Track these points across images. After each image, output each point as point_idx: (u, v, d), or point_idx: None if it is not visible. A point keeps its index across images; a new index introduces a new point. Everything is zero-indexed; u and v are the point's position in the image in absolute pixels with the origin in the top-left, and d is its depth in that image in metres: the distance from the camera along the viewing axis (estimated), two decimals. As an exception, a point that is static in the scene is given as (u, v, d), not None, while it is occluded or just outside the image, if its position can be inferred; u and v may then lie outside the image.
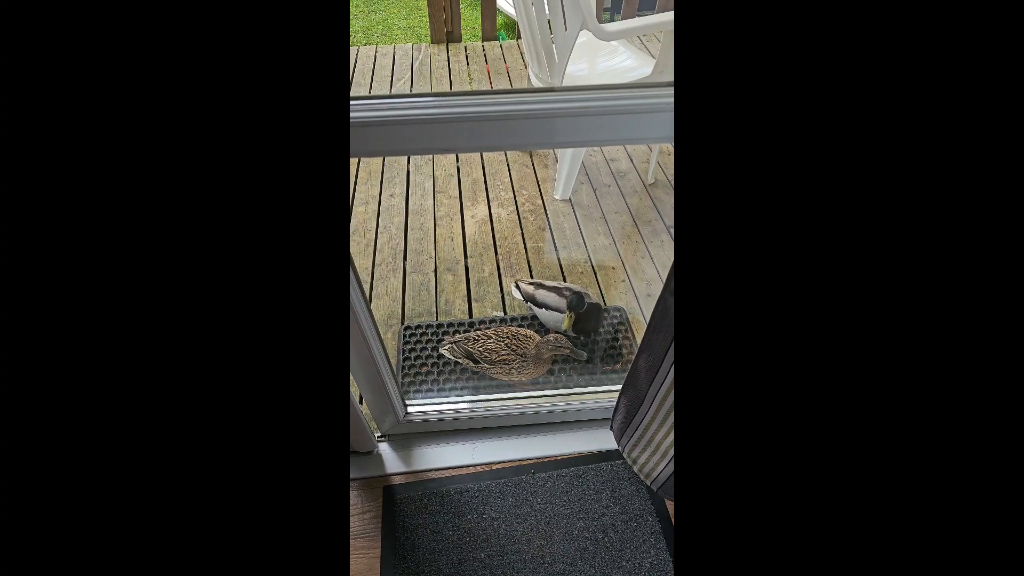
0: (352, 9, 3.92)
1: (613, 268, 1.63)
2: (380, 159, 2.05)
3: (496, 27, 2.85)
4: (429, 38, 2.85)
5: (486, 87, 2.53)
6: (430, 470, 1.09)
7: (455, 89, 2.52)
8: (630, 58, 1.78)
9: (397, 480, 1.07)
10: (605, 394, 1.17)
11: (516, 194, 1.91)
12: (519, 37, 2.90)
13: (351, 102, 0.56)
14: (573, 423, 1.17)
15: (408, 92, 2.43)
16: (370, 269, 1.62)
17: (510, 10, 3.30)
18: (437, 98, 0.57)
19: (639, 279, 1.60)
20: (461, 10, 2.80)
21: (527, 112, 0.57)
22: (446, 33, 2.79)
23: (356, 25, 3.72)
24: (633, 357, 1.40)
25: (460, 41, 2.85)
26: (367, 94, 0.58)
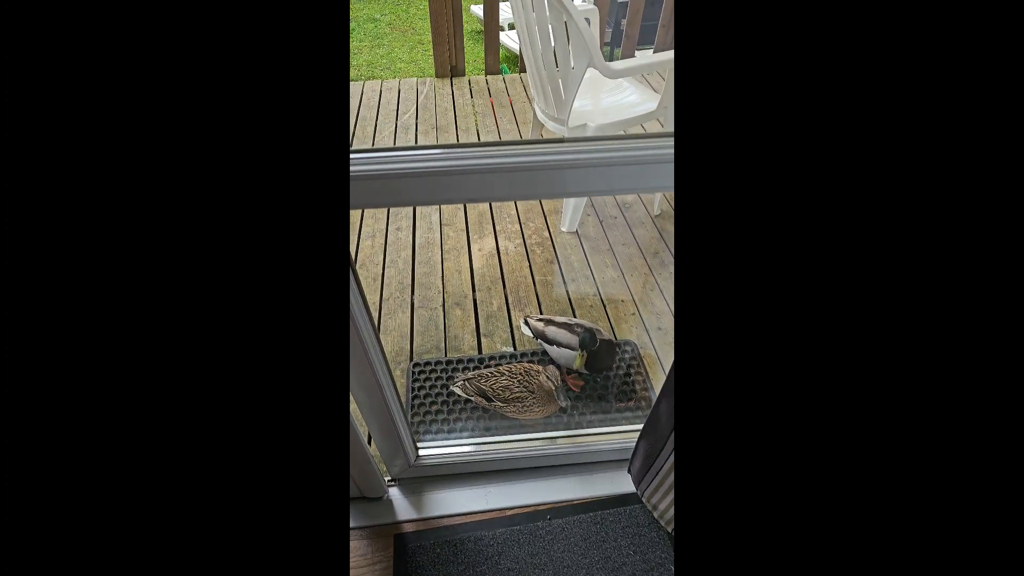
0: (356, 44, 4.01)
1: (623, 301, 1.62)
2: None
3: (499, 61, 2.91)
4: (433, 72, 2.90)
5: (490, 119, 2.57)
6: (442, 516, 1.05)
7: (460, 120, 2.55)
8: (634, 93, 1.81)
9: (408, 528, 1.04)
10: (620, 434, 1.14)
11: (523, 227, 1.91)
12: (521, 70, 2.95)
13: (359, 155, 0.56)
14: (588, 464, 1.14)
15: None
16: (377, 304, 1.61)
17: (512, 44, 3.38)
18: (443, 150, 0.57)
19: (649, 312, 1.59)
20: (464, 44, 2.86)
21: (536, 164, 0.57)
22: (450, 67, 2.85)
23: (360, 59, 3.80)
24: (646, 393, 1.38)
25: (464, 75, 2.90)
26: (371, 147, 0.58)
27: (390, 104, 2.68)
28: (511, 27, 3.59)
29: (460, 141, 2.34)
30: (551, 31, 1.51)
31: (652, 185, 0.61)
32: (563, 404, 1.18)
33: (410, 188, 0.58)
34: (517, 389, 1.20)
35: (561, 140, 0.58)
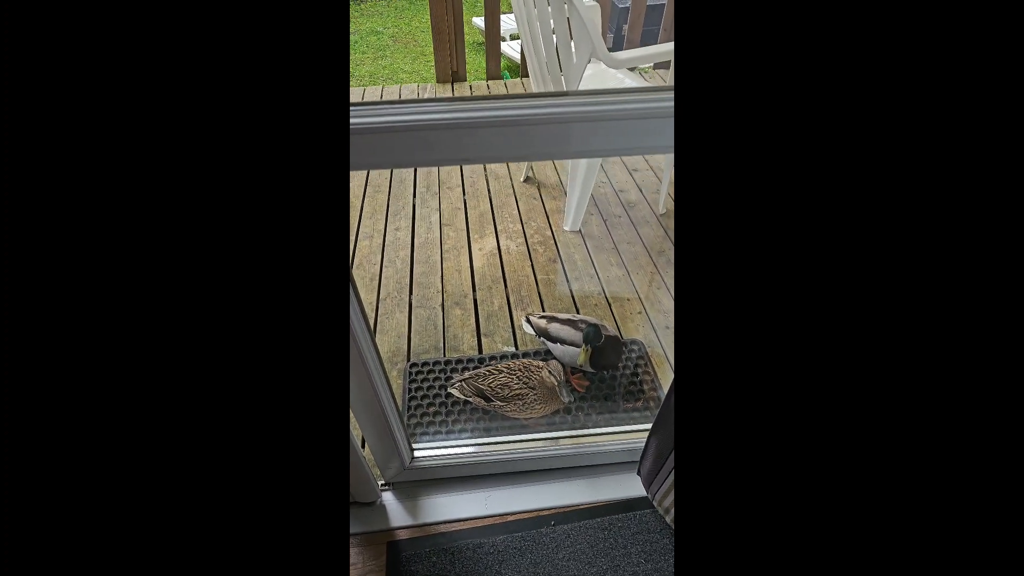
0: (358, 56, 4.03)
1: (628, 300, 1.56)
2: (385, 191, 2.02)
3: (500, 67, 2.90)
4: (434, 79, 2.89)
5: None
6: (439, 523, 0.98)
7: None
8: (637, 89, 1.77)
9: (402, 535, 0.97)
10: (628, 435, 1.08)
11: (524, 226, 1.86)
12: (523, 76, 2.94)
13: (355, 108, 0.52)
14: (595, 467, 1.07)
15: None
16: (375, 304, 1.56)
17: (512, 53, 3.37)
18: (445, 103, 0.53)
19: (656, 311, 1.53)
20: (465, 53, 2.85)
21: (541, 117, 0.53)
22: (451, 73, 2.84)
23: (362, 70, 3.82)
24: (655, 393, 1.31)
25: (465, 80, 2.89)
26: (372, 100, 0.53)
27: (391, 109, 2.66)
28: (513, 37, 3.60)
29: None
30: (552, 24, 1.48)
31: (660, 143, 0.57)
32: (566, 400, 1.11)
33: (407, 143, 0.54)
34: (517, 386, 1.13)
35: (564, 93, 0.54)
